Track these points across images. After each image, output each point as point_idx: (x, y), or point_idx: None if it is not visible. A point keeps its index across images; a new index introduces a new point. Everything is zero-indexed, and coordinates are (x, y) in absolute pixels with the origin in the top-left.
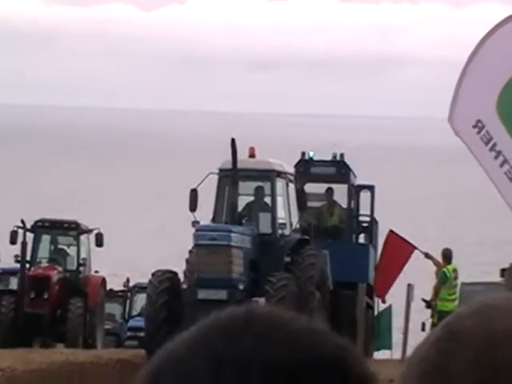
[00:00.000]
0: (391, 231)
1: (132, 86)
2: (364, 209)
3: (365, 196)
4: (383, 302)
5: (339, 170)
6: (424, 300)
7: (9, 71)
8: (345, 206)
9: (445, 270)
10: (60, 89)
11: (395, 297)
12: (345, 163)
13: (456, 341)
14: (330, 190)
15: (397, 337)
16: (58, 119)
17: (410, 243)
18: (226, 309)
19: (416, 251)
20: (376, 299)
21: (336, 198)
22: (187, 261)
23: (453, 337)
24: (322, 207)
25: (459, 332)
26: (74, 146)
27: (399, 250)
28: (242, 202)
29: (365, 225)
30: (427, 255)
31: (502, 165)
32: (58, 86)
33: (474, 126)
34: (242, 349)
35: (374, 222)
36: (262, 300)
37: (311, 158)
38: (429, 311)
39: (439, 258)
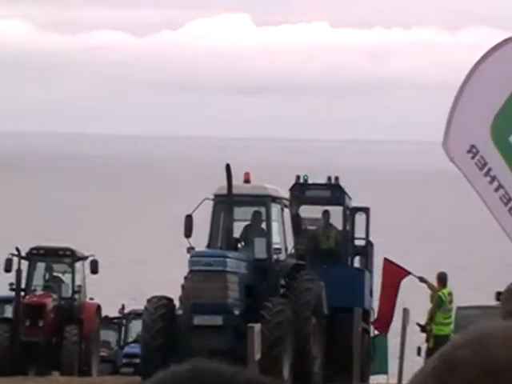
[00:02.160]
0: (386, 259)
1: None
2: (359, 232)
3: (360, 219)
4: (386, 333)
5: (334, 192)
6: (419, 324)
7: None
8: (340, 228)
9: (440, 293)
10: (51, 116)
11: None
12: (339, 186)
13: (452, 371)
14: (326, 213)
15: (393, 361)
16: (51, 145)
17: (403, 269)
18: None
19: (411, 276)
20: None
21: (331, 220)
22: (183, 287)
23: (449, 367)
24: (317, 230)
25: (455, 362)
26: (68, 173)
27: (394, 277)
28: (238, 227)
29: (360, 247)
30: (422, 279)
31: (497, 189)
32: (47, 112)
33: (469, 151)
34: None
35: (369, 244)
36: (257, 326)
37: (306, 181)
38: (424, 335)
39: (434, 282)
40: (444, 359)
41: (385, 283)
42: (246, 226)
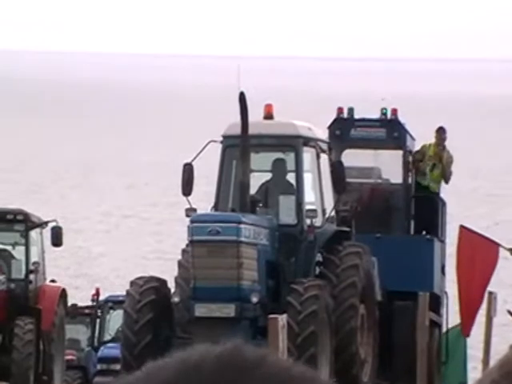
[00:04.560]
0: (462, 227)
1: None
2: None
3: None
4: (467, 335)
5: (391, 131)
6: (510, 313)
7: None
8: (399, 181)
9: None
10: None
11: None
12: (399, 122)
13: None
14: (440, 129)
15: (473, 366)
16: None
17: (490, 240)
18: (199, 348)
19: (500, 249)
20: (445, 313)
21: (387, 168)
22: (180, 264)
23: (509, 380)
24: (426, 146)
25: None
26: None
27: (479, 253)
28: (256, 180)
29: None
30: None
31: None
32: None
33: None
34: None
35: (440, 203)
36: (283, 317)
37: (351, 116)
38: None
39: None
40: (504, 372)
41: (465, 263)
42: (268, 180)
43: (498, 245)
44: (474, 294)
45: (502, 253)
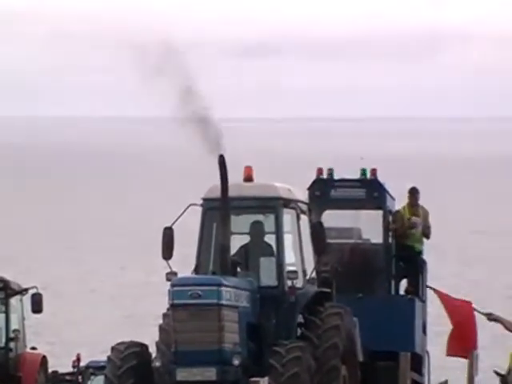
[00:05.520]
0: (435, 290)
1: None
2: None
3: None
4: (466, 357)
5: (371, 191)
6: (497, 373)
7: None
8: (379, 241)
9: None
10: None
11: (453, 370)
12: (378, 182)
13: None
14: (413, 190)
15: None
16: None
17: (465, 300)
18: None
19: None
20: (426, 373)
21: (367, 228)
22: (161, 328)
23: None
24: (401, 211)
25: None
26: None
27: (458, 306)
28: (236, 242)
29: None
30: (490, 317)
31: None
32: None
33: None
34: None
35: (421, 262)
36: (265, 380)
37: (331, 177)
38: None
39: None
40: None
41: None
42: (248, 242)
43: (470, 305)
44: (463, 312)
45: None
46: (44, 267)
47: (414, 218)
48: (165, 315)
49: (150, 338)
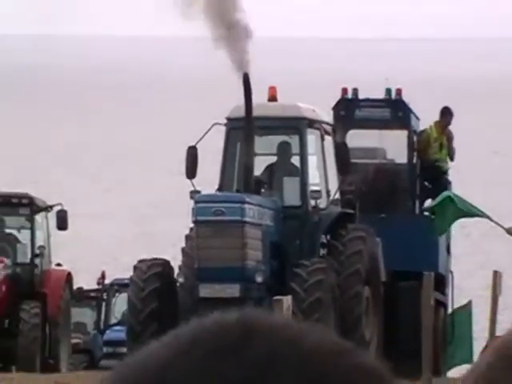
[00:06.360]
0: None
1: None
2: None
3: None
4: None
5: (396, 111)
6: None
7: None
8: (403, 160)
9: None
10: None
11: (475, 290)
12: (403, 102)
13: (510, 369)
14: (445, 110)
15: (479, 344)
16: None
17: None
18: (214, 316)
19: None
20: (450, 293)
21: (392, 148)
22: (184, 251)
23: (506, 364)
24: (427, 130)
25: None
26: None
27: None
28: (260, 163)
29: (430, 187)
30: (510, 230)
31: None
32: None
33: None
34: (238, 374)
35: (445, 182)
36: (287, 299)
37: (356, 97)
38: None
39: None
40: (500, 355)
41: None
42: (272, 163)
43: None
44: None
45: None
46: (65, 186)
47: None
48: (187, 237)
49: (170, 255)
